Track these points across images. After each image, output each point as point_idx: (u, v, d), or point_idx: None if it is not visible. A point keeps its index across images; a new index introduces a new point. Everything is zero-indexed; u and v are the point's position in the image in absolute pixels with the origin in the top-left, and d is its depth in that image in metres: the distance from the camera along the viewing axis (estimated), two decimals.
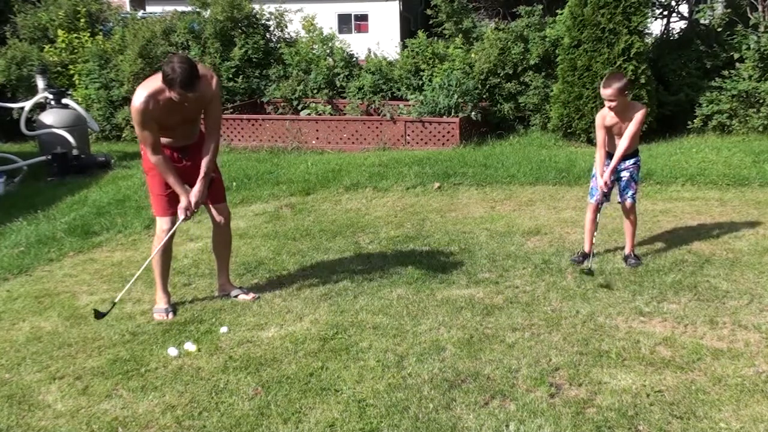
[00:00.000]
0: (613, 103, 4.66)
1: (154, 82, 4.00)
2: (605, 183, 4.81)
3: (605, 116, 4.78)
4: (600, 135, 4.86)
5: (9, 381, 3.64)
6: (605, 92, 4.65)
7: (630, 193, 4.92)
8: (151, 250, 4.43)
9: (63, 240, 6.00)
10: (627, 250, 5.00)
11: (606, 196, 4.95)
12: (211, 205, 4.47)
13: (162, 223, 4.32)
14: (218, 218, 4.49)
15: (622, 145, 4.75)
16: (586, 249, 5.03)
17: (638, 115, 4.70)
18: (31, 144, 10.81)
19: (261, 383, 3.49)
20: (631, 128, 4.72)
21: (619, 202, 5.02)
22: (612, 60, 8.97)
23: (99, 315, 4.25)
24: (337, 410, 3.23)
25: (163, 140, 4.18)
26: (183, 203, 4.19)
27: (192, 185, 4.25)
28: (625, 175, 4.91)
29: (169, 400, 3.40)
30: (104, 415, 3.29)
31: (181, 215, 4.21)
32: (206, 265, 5.20)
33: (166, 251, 4.40)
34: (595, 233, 4.94)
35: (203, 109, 4.21)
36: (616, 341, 3.79)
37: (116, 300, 4.39)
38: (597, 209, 4.96)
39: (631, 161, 4.89)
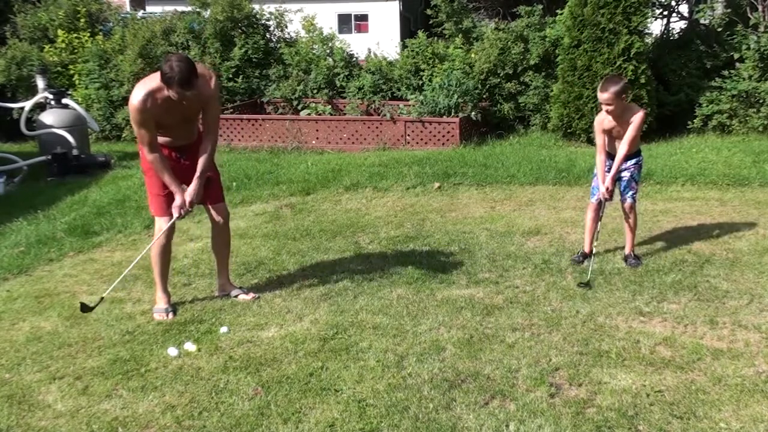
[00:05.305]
0: (611, 107, 4.61)
1: (153, 80, 4.00)
2: (607, 189, 4.81)
3: (603, 120, 4.76)
4: (599, 139, 4.85)
5: (9, 381, 3.64)
6: (602, 96, 4.60)
7: (630, 193, 4.92)
8: (150, 251, 4.43)
9: (63, 240, 6.00)
10: (627, 250, 5.00)
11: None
12: (210, 205, 4.47)
13: (161, 222, 4.33)
14: (217, 218, 4.49)
15: (621, 149, 4.74)
16: (587, 249, 5.04)
17: (636, 119, 4.66)
18: (31, 144, 10.81)
19: (261, 383, 3.49)
20: (630, 133, 4.69)
21: (620, 202, 5.02)
22: (612, 60, 8.96)
23: (86, 308, 4.26)
24: (337, 410, 3.23)
25: (162, 139, 4.19)
26: (178, 201, 4.19)
27: (190, 179, 4.27)
28: (625, 175, 4.90)
29: (169, 400, 3.40)
30: (104, 415, 3.29)
31: (175, 213, 4.22)
32: (206, 265, 5.20)
33: (166, 251, 4.40)
34: (597, 234, 4.94)
35: (202, 108, 4.21)
36: (616, 341, 3.79)
37: (105, 295, 4.39)
38: (598, 209, 4.96)
39: (633, 161, 4.88)
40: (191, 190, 4.21)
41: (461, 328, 4.01)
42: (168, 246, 4.40)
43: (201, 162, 4.21)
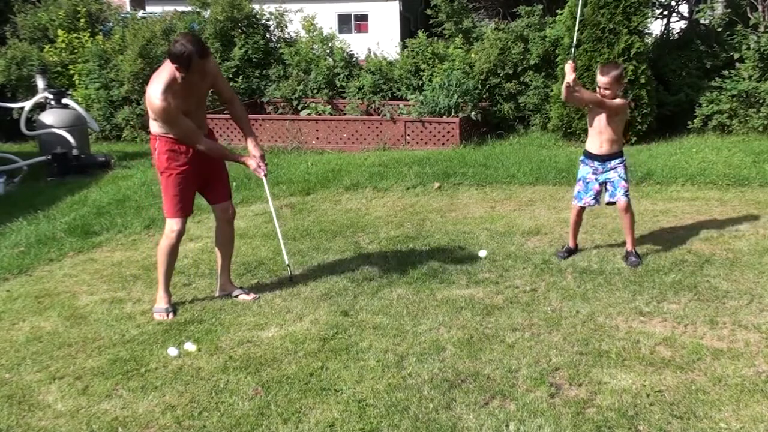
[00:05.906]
0: (608, 91, 4.79)
1: (163, 75, 4.01)
2: (570, 81, 4.74)
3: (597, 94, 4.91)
4: (583, 94, 4.87)
5: (9, 381, 3.65)
6: (602, 79, 4.78)
7: (623, 191, 4.94)
8: (158, 248, 4.41)
9: (63, 240, 6.00)
10: (628, 248, 5.00)
11: (595, 199, 5.04)
12: (216, 203, 4.50)
13: (172, 224, 4.31)
14: (224, 216, 4.50)
15: (596, 98, 4.82)
16: (571, 244, 5.17)
17: (621, 100, 4.86)
18: (31, 144, 10.82)
19: (261, 383, 3.49)
20: (613, 102, 4.80)
21: (609, 203, 5.06)
22: (612, 60, 8.96)
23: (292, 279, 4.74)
24: (337, 410, 3.23)
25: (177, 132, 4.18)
26: (252, 165, 4.39)
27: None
28: (613, 175, 4.96)
29: (169, 400, 3.40)
30: (104, 415, 3.29)
31: (261, 174, 4.42)
32: (206, 265, 5.20)
33: (174, 252, 4.39)
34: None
35: (210, 87, 4.35)
36: (616, 341, 3.79)
37: (288, 263, 4.73)
38: (581, 212, 5.12)
39: (617, 161, 4.97)
40: (251, 147, 4.44)
41: (461, 328, 4.01)
42: (177, 247, 4.40)
43: (247, 126, 4.53)
